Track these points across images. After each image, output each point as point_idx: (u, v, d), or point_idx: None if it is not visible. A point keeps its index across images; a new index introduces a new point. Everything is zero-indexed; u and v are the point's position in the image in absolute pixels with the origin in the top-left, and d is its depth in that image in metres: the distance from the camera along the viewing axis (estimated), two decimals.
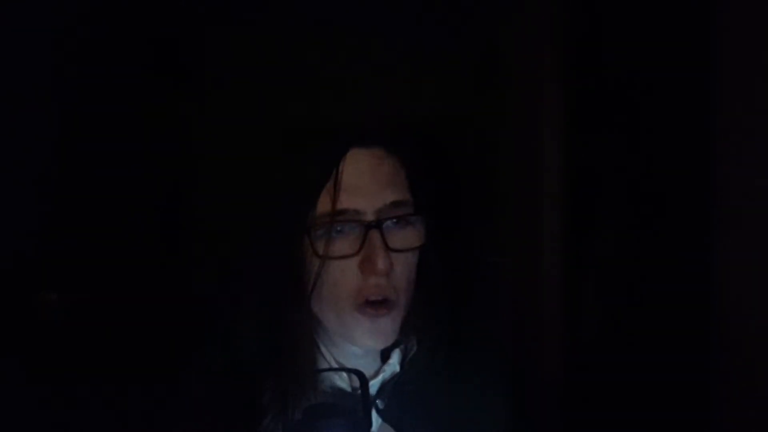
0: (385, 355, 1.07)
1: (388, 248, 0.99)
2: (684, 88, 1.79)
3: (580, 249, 2.04)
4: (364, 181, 1.00)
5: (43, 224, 2.05)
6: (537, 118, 2.08)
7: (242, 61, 2.21)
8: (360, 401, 0.97)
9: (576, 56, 2.03)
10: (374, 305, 1.00)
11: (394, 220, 1.00)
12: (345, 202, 0.99)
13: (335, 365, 1.05)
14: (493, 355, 1.11)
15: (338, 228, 0.99)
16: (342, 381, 1.04)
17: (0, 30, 1.94)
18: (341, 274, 1.00)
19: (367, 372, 1.02)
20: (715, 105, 1.68)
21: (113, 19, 2.13)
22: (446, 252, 1.07)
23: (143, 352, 1.96)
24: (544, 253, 2.06)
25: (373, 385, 1.04)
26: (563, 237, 2.05)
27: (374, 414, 1.02)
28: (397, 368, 1.05)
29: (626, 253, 1.96)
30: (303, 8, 2.16)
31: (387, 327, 1.01)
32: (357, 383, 1.01)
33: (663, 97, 1.85)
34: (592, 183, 2.03)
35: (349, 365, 1.04)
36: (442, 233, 1.05)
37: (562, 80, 2.04)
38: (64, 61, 2.09)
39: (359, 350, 1.04)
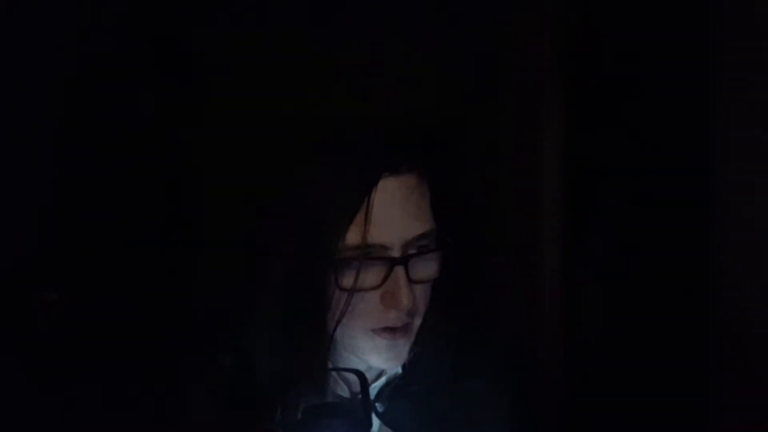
0: None
1: (410, 281, 0.96)
2: (684, 87, 1.79)
3: (580, 249, 2.04)
4: (394, 214, 0.96)
5: (43, 224, 2.05)
6: (537, 118, 2.08)
7: (240, 62, 2.21)
8: (360, 402, 0.96)
9: (576, 56, 2.03)
10: (393, 330, 0.98)
11: (419, 253, 0.97)
12: (373, 236, 0.95)
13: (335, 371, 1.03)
14: (493, 356, 1.09)
15: (362, 259, 0.95)
16: (340, 387, 1.03)
17: (0, 29, 1.94)
18: (362, 304, 0.96)
19: (368, 376, 1.01)
20: (714, 105, 1.68)
21: (116, 19, 2.13)
22: (463, 271, 1.05)
23: (143, 352, 1.96)
24: (544, 253, 2.06)
25: (373, 389, 1.03)
26: (563, 237, 2.05)
27: (373, 418, 1.01)
28: (399, 370, 1.04)
29: (626, 252, 1.96)
30: (303, 9, 2.16)
31: (402, 350, 0.99)
32: (356, 388, 1.00)
33: (663, 96, 1.85)
34: (592, 183, 2.03)
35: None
36: (463, 257, 1.03)
37: (562, 80, 2.04)
38: (66, 59, 2.09)
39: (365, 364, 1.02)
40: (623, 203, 1.97)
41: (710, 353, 1.68)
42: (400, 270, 0.95)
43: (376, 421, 1.02)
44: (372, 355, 0.99)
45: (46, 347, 1.99)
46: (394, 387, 1.04)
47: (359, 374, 0.98)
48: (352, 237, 0.95)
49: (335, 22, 2.16)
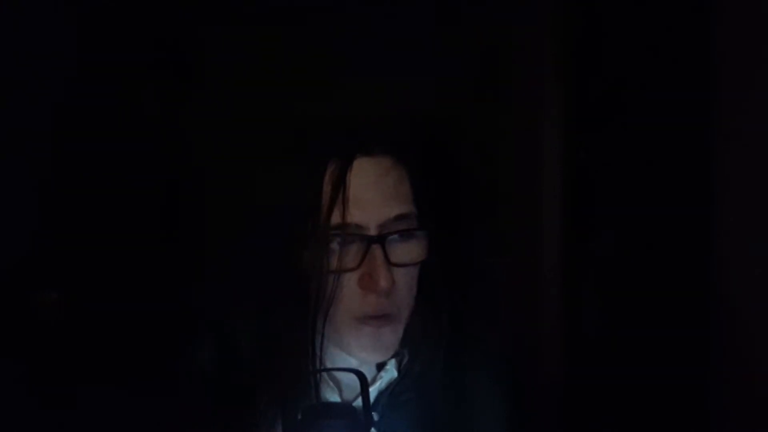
0: (380, 365, 1.04)
1: (389, 263, 0.95)
2: (684, 88, 1.79)
3: (580, 249, 2.04)
4: (368, 194, 0.96)
5: (43, 223, 2.05)
6: (537, 118, 2.08)
7: (240, 61, 2.21)
8: (360, 404, 0.96)
9: (576, 56, 2.03)
10: (375, 318, 0.97)
11: (398, 234, 0.97)
12: (347, 216, 0.95)
13: (327, 374, 1.02)
14: (491, 359, 1.09)
15: (339, 240, 0.96)
16: (330, 390, 1.02)
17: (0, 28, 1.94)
18: (340, 289, 0.96)
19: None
20: (714, 106, 1.68)
21: (113, 18, 2.13)
22: (449, 261, 1.04)
23: (143, 352, 1.96)
24: (544, 253, 2.06)
25: (370, 394, 1.02)
26: (563, 237, 2.05)
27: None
28: (395, 374, 1.03)
29: (626, 253, 1.96)
30: (301, 7, 2.16)
31: (388, 339, 0.99)
32: (348, 393, 1.00)
33: (663, 97, 1.85)
34: (592, 183, 2.03)
35: (342, 375, 1.01)
36: (446, 244, 1.03)
37: (562, 80, 2.04)
38: (64, 59, 2.09)
39: (355, 360, 1.01)
40: (623, 203, 1.97)
41: (710, 354, 1.68)
42: (377, 250, 0.95)
43: (372, 430, 1.01)
44: (357, 345, 0.99)
45: (46, 347, 1.99)
46: (390, 394, 1.03)
47: (359, 374, 0.97)
48: (335, 219, 0.96)
49: (335, 21, 2.16)
